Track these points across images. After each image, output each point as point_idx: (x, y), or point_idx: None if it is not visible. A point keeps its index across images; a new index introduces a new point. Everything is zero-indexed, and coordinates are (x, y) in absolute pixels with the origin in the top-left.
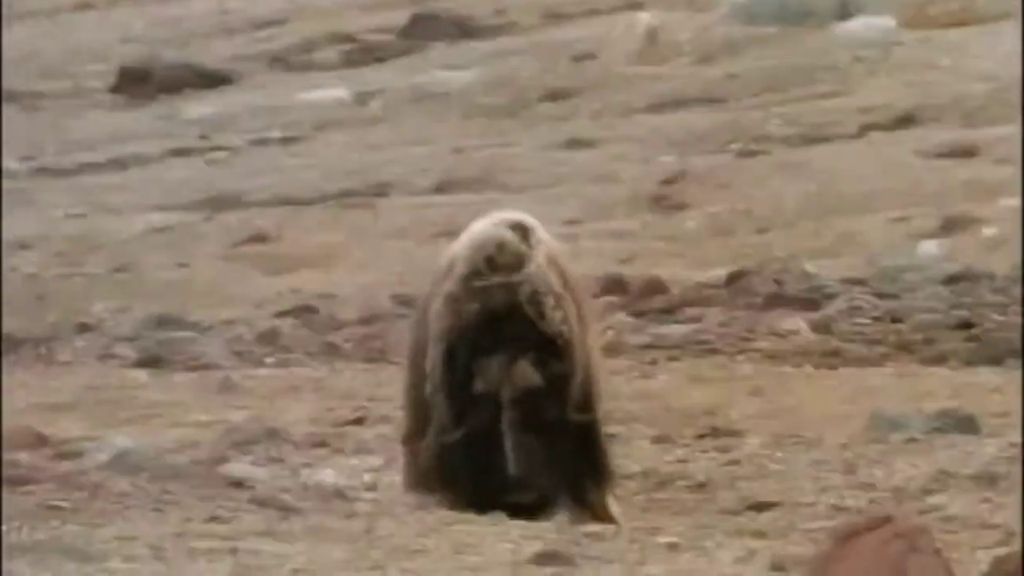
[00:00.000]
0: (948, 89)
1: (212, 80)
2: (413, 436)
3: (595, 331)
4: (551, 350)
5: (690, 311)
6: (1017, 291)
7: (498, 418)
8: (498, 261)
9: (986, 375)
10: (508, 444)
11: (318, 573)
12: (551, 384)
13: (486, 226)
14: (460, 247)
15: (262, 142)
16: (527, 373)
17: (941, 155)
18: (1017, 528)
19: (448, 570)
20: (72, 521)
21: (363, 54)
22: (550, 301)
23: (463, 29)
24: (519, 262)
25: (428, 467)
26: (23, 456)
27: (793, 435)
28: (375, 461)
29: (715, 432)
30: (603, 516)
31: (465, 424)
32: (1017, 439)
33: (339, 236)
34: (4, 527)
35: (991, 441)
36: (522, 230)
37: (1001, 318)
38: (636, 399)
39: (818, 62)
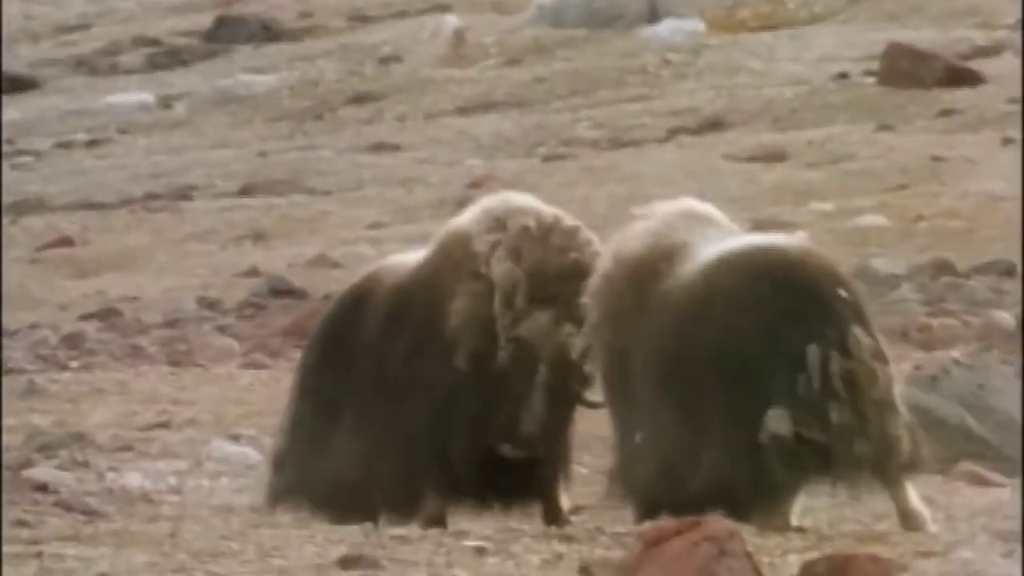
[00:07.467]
0: (757, 93)
1: (18, 84)
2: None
3: None
4: None
5: None
6: None
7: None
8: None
9: None
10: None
11: None
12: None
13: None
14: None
15: (67, 145)
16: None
17: (750, 159)
18: None
19: (254, 573)
20: None
21: (168, 57)
22: None
23: (268, 32)
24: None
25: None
26: None
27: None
28: (180, 465)
29: None
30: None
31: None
32: None
33: (143, 239)
34: None
35: None
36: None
37: None
38: None
39: (626, 65)
